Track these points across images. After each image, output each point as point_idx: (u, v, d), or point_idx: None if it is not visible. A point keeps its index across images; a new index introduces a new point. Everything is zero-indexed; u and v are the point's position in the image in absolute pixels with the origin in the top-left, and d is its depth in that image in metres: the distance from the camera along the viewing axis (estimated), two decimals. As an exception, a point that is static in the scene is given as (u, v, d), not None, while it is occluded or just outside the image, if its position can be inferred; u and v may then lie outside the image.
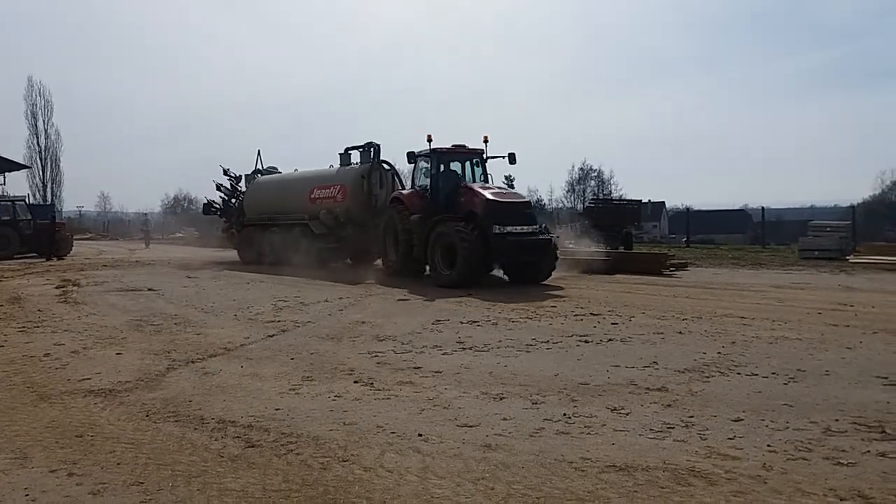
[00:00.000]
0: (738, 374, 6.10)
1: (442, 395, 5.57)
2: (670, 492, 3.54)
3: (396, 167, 20.18)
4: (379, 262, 17.56)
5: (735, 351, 7.07)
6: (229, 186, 24.56)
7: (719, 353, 7.00)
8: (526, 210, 14.26)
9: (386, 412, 5.09)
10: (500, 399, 5.42)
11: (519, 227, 13.48)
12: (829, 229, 21.55)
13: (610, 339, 7.86)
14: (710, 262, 20.41)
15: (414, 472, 3.88)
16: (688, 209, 48.05)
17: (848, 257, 19.84)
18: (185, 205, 65.95)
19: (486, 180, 15.62)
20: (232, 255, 23.35)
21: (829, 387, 5.59)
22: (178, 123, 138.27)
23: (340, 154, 19.86)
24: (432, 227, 14.15)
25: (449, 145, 15.70)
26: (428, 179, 15.54)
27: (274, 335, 8.50)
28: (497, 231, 13.16)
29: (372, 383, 5.95)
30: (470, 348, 7.49)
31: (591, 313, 9.81)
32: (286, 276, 16.87)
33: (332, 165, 20.21)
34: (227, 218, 24.48)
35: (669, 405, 5.16)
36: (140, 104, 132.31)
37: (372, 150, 18.88)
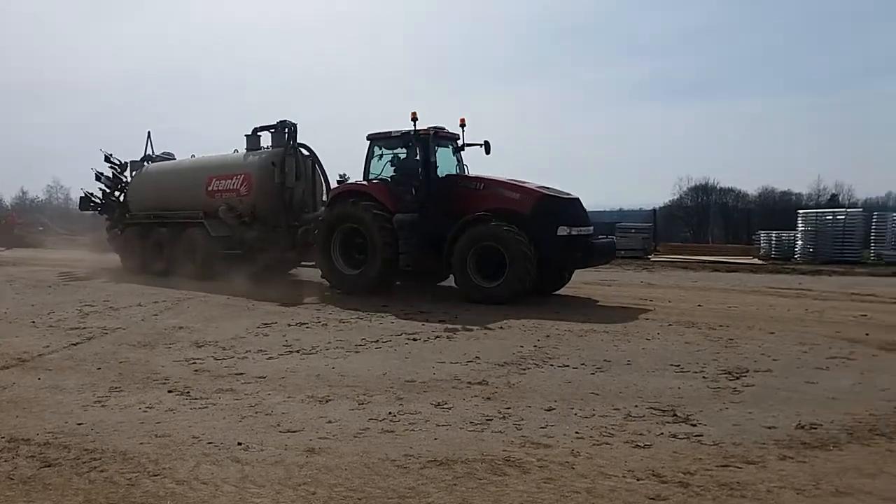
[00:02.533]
0: (552, 365, 6.51)
1: (265, 401, 5.40)
2: (487, 482, 3.69)
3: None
4: (295, 272, 15.24)
5: (549, 344, 7.53)
6: (111, 176, 19.43)
7: (535, 346, 7.42)
8: (582, 209, 12.26)
9: (203, 422, 4.85)
10: (326, 402, 5.36)
11: (585, 229, 11.79)
12: (633, 231, 23.64)
13: (437, 336, 8.06)
14: (531, 261, 21.53)
15: (231, 482, 3.72)
16: (511, 211, 50.13)
17: (649, 256, 21.91)
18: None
19: (462, 170, 13.28)
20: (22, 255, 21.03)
21: (631, 375, 6.12)
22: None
23: (247, 136, 16.04)
24: (460, 230, 11.49)
25: (426, 127, 12.53)
26: (398, 169, 12.48)
27: (78, 343, 7.80)
28: (564, 233, 11.24)
29: (188, 392, 5.64)
30: (297, 351, 7.34)
31: (420, 311, 10.00)
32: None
33: (237, 150, 16.35)
34: (108, 215, 19.78)
35: (489, 398, 5.39)
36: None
37: (287, 130, 15.23)
